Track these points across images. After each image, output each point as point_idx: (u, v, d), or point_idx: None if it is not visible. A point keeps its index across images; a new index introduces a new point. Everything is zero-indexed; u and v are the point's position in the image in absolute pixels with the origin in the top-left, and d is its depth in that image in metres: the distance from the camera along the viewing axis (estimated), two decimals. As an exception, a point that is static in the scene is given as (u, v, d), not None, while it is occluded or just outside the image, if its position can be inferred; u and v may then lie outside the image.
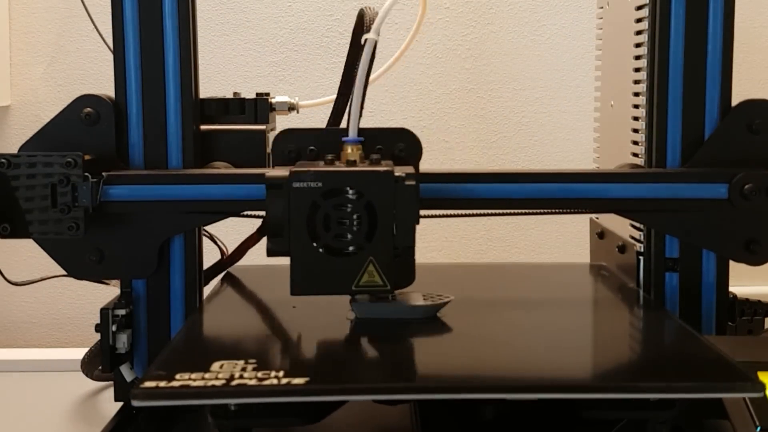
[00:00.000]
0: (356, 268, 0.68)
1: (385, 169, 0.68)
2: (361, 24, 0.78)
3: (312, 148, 0.78)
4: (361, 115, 0.74)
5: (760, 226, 0.78)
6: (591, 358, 0.69)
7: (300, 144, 0.79)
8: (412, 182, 0.68)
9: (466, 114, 1.29)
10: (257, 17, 1.27)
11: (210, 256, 0.87)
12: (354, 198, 0.68)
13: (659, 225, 0.79)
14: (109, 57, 0.79)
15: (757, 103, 0.79)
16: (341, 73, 0.81)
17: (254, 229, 0.86)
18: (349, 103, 0.73)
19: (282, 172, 0.69)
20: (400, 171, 0.68)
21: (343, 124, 0.79)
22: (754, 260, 0.79)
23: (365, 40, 0.73)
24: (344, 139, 0.73)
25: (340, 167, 0.70)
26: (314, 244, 0.68)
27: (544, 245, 1.30)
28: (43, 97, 1.27)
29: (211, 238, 0.87)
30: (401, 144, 0.79)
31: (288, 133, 0.80)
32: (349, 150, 0.73)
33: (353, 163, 0.71)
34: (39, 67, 1.27)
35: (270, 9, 1.27)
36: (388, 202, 0.68)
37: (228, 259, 0.87)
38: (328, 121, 0.84)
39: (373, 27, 0.73)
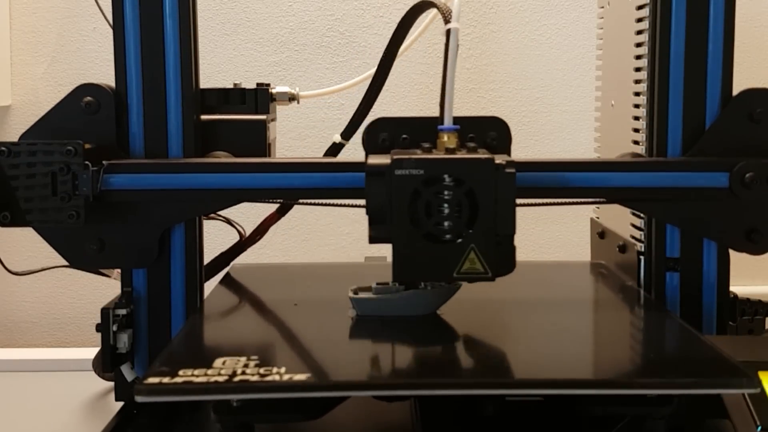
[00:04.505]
0: (458, 255, 0.69)
1: (485, 156, 0.68)
2: (412, 14, 0.80)
3: (405, 136, 0.78)
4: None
5: (761, 215, 0.78)
6: (590, 356, 0.69)
7: (393, 132, 0.78)
8: (512, 170, 0.68)
9: (466, 114, 1.28)
10: (258, 16, 1.28)
11: (221, 242, 0.87)
12: (454, 185, 0.68)
13: (660, 214, 0.79)
14: (110, 57, 0.79)
15: (757, 92, 0.78)
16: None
17: (272, 210, 0.87)
18: (441, 92, 0.73)
19: (383, 159, 0.69)
20: (500, 159, 0.68)
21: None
22: (755, 250, 0.78)
23: (448, 30, 0.73)
24: (440, 127, 0.73)
25: (439, 155, 0.70)
26: (415, 231, 0.68)
27: (545, 245, 1.30)
28: (43, 96, 1.27)
29: (227, 221, 0.88)
30: (493, 132, 0.78)
31: (381, 121, 0.79)
32: (446, 138, 0.72)
33: (452, 150, 0.71)
34: (40, 67, 1.27)
35: (271, 8, 1.27)
36: (489, 190, 0.68)
37: (247, 240, 0.88)
38: (359, 106, 0.84)
39: (453, 16, 0.73)
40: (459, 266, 0.69)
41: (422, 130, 0.76)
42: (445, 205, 0.68)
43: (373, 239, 0.69)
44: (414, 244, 0.68)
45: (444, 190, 0.68)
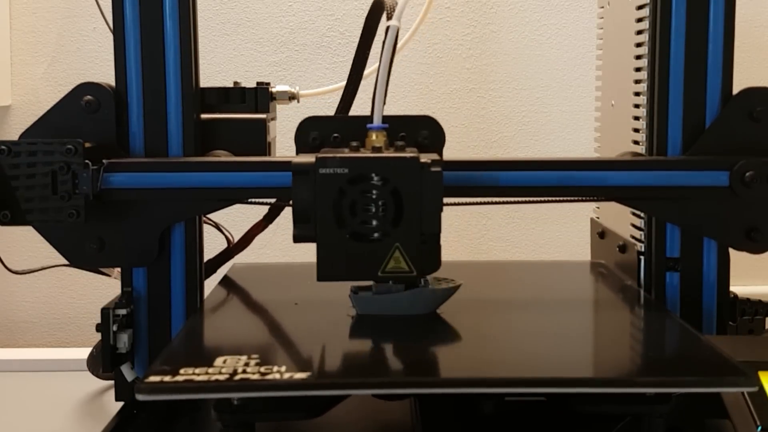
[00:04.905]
0: (382, 254, 0.69)
1: (410, 155, 0.68)
2: (375, 12, 0.79)
3: (336, 135, 0.78)
4: (384, 102, 0.74)
5: (761, 214, 0.78)
6: (590, 355, 0.69)
7: (324, 131, 0.79)
8: (438, 169, 0.68)
9: (467, 114, 1.29)
10: (258, 16, 1.28)
11: (214, 247, 0.87)
12: (380, 184, 0.68)
13: (660, 213, 0.79)
14: (110, 57, 0.79)
15: (757, 90, 0.79)
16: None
17: (260, 217, 0.86)
18: (373, 90, 0.73)
19: (308, 158, 0.69)
20: (425, 158, 0.68)
21: (361, 112, 0.79)
22: (755, 248, 0.79)
23: (388, 28, 0.73)
24: (369, 125, 0.73)
25: (365, 153, 0.70)
26: (340, 230, 0.68)
27: (545, 245, 1.30)
28: (43, 97, 1.27)
29: (217, 226, 0.88)
30: (425, 131, 0.78)
31: (312, 121, 0.79)
32: (374, 137, 0.73)
33: (378, 149, 0.71)
34: (40, 67, 1.27)
35: (271, 8, 1.27)
36: (414, 189, 0.68)
37: (235, 247, 0.88)
38: (337, 109, 0.84)
39: (395, 14, 0.73)
40: (384, 265, 0.69)
41: (353, 129, 0.77)
42: (370, 204, 0.68)
43: (297, 238, 0.69)
44: (338, 243, 0.69)
45: (369, 189, 0.68)
